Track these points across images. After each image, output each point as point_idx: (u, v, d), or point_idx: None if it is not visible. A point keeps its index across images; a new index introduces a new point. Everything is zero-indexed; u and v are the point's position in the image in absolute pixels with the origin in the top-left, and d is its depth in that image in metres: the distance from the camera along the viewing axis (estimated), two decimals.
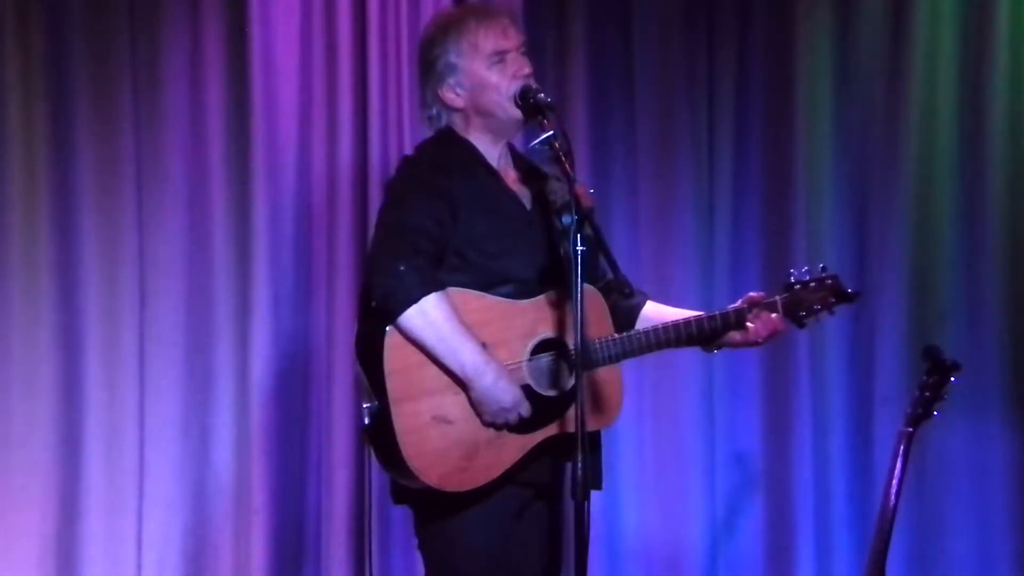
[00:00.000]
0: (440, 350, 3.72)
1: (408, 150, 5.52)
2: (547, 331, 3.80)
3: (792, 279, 4.02)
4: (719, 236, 5.79)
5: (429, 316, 3.71)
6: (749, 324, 3.96)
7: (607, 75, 5.77)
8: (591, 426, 3.75)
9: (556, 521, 3.89)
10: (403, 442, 3.72)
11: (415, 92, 5.54)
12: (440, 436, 3.73)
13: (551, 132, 3.72)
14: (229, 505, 5.49)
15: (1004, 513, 5.69)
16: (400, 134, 5.58)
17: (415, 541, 3.97)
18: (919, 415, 4.64)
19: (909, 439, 4.63)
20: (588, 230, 3.69)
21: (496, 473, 3.77)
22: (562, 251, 3.83)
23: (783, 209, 5.78)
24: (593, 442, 3.85)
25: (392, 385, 3.72)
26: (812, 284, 4.01)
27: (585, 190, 3.85)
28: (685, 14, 5.81)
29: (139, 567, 5.44)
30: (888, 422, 5.40)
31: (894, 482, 4.60)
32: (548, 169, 3.90)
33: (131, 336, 5.47)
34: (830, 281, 4.02)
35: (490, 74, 3.87)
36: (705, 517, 5.73)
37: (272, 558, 5.48)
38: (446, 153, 3.93)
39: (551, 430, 3.79)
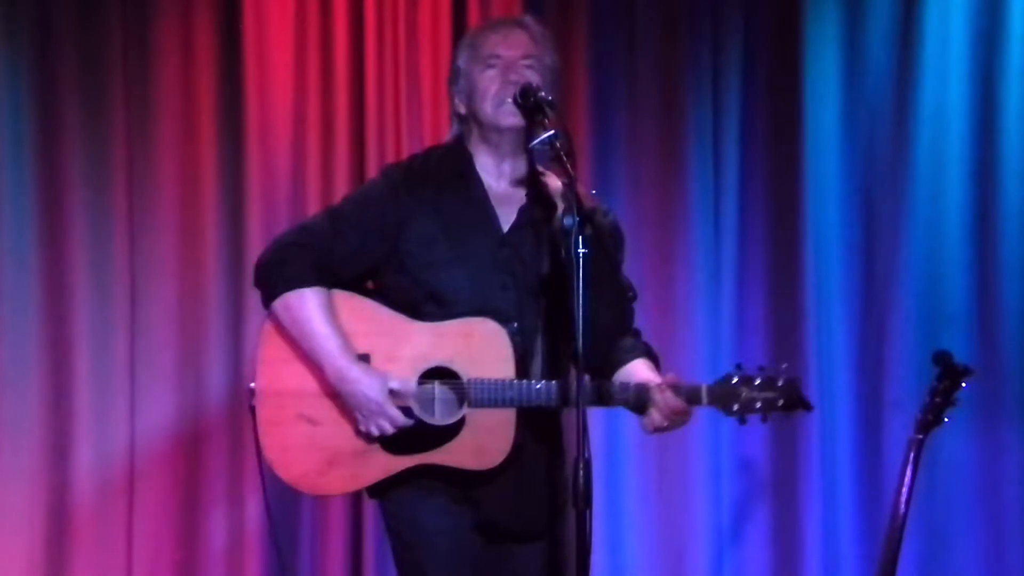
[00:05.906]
0: (305, 345, 3.70)
1: (404, 146, 5.53)
2: (441, 359, 3.70)
3: (735, 372, 3.68)
4: (725, 240, 5.75)
5: (305, 307, 3.69)
6: (658, 398, 3.65)
7: (610, 77, 5.74)
8: (468, 464, 3.67)
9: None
10: (263, 433, 3.72)
11: (411, 87, 5.55)
12: (303, 435, 3.72)
13: (552, 132, 3.63)
14: (222, 513, 5.47)
15: (1016, 520, 5.66)
16: (397, 130, 5.56)
17: None
18: (929, 421, 4.60)
19: (919, 446, 4.58)
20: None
21: (354, 487, 3.78)
22: (563, 253, 3.72)
23: (789, 211, 5.74)
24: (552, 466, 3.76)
25: (261, 373, 3.74)
26: (758, 382, 3.66)
27: (587, 191, 3.76)
28: (689, 15, 5.78)
29: None
30: (898, 428, 5.38)
31: (904, 489, 4.55)
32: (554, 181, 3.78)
33: (122, 340, 5.45)
34: (781, 383, 3.66)
35: (482, 78, 3.78)
36: (711, 524, 5.69)
37: (266, 566, 5.46)
38: (431, 163, 3.87)
39: (426, 458, 3.69)
